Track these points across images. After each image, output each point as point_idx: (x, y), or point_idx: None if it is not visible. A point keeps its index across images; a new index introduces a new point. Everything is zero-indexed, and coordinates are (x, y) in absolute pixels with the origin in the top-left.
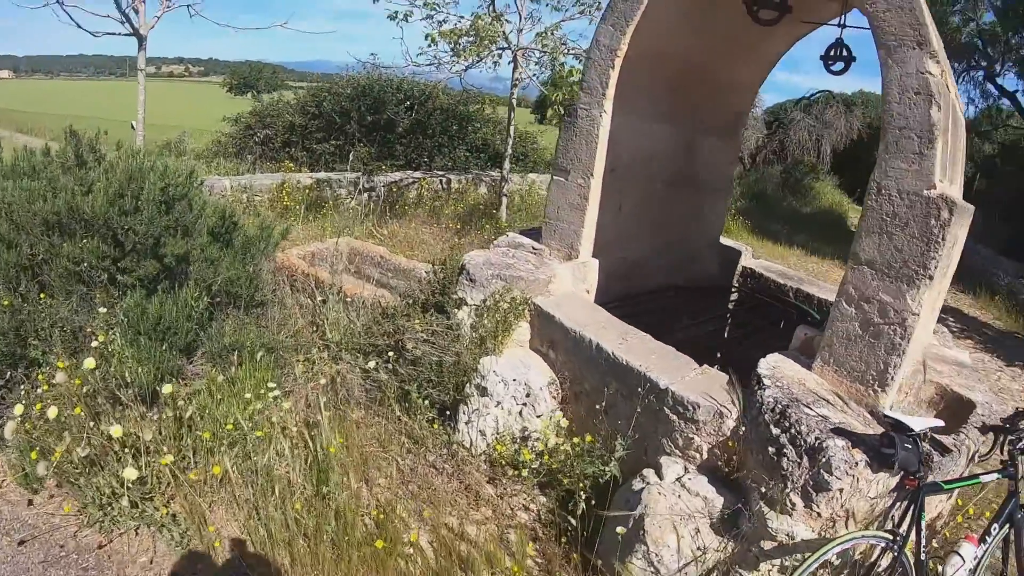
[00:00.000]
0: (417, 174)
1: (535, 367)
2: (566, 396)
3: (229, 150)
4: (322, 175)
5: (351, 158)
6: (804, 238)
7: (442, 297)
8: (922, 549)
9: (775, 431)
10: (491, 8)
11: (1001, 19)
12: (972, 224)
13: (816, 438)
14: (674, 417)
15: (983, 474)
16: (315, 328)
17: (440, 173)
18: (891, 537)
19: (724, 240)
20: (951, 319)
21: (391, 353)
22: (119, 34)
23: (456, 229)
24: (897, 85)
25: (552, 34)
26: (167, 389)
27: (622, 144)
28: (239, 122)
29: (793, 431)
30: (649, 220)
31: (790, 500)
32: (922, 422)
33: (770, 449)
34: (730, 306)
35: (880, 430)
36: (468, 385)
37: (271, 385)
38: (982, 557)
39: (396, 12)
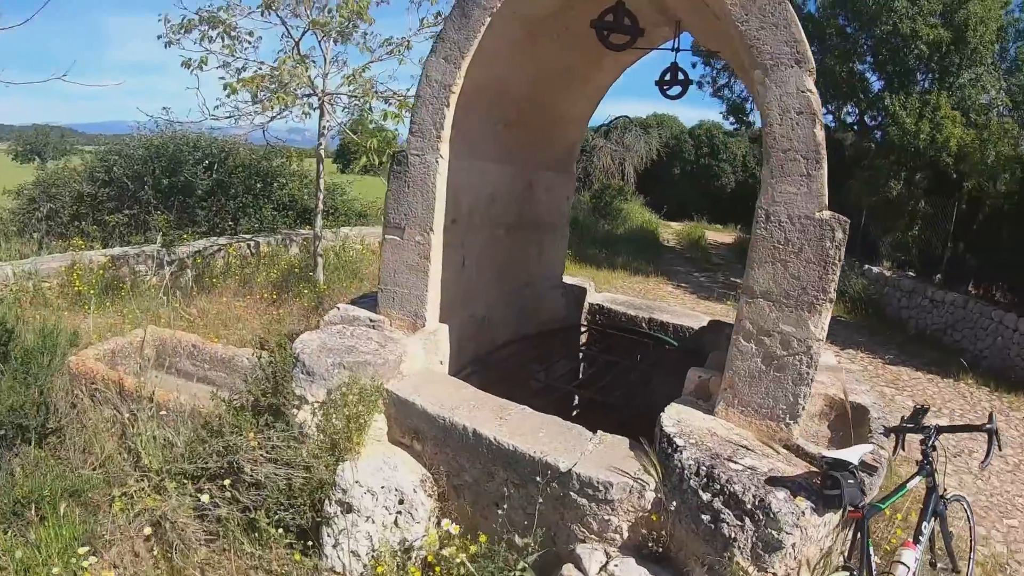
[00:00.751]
0: (222, 240)
1: (402, 465)
2: (444, 492)
3: (11, 228)
4: (117, 251)
5: (148, 229)
6: (624, 259)
7: (276, 398)
8: (874, 571)
9: (706, 496)
10: (296, 51)
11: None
12: None
13: (754, 495)
14: (583, 501)
15: (908, 480)
16: (128, 452)
17: (247, 237)
18: (849, 573)
19: (566, 278)
20: None
21: (228, 480)
22: None
23: (272, 299)
24: (778, 106)
25: (360, 76)
26: None
27: (462, 191)
28: (21, 195)
29: (726, 492)
30: (494, 270)
31: (740, 567)
32: (855, 452)
33: (704, 517)
34: (582, 346)
35: (803, 464)
36: (328, 503)
37: (81, 551)
38: (919, 557)
39: (190, 59)
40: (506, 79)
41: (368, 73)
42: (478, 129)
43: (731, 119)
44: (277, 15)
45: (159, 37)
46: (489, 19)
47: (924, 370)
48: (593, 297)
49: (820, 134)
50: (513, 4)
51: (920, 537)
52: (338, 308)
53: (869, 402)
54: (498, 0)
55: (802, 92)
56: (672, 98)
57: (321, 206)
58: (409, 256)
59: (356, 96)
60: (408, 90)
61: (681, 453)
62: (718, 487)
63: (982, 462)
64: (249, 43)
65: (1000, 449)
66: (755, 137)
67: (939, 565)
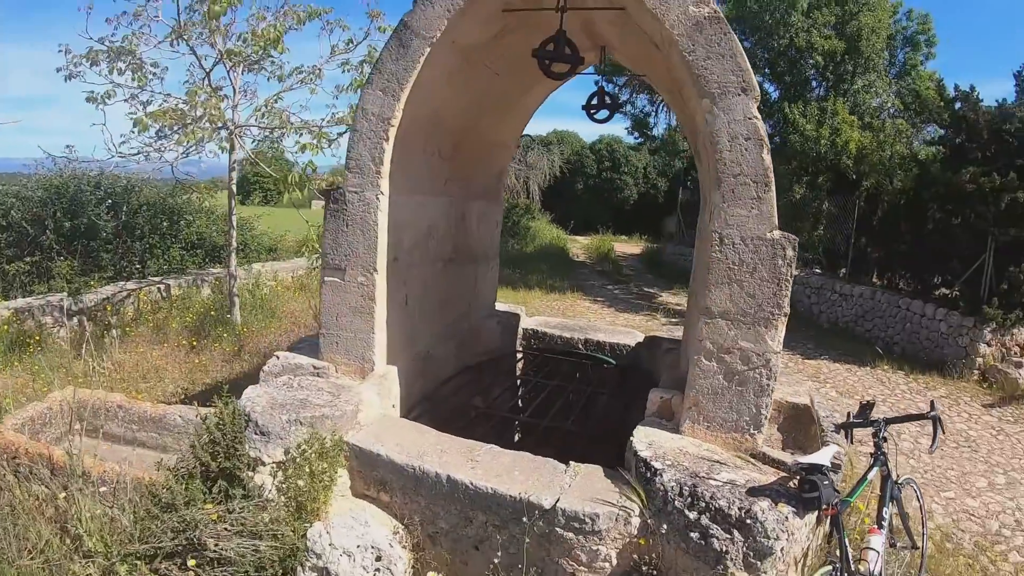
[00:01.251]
0: (131, 285)
1: (372, 519)
2: (419, 542)
3: None
4: (20, 303)
5: (52, 276)
6: (538, 278)
7: (229, 461)
8: (850, 561)
9: (692, 515)
10: (207, 82)
11: None
12: (673, 230)
13: (740, 508)
14: (570, 535)
15: (867, 472)
16: (66, 534)
17: (156, 280)
18: (832, 566)
19: (498, 305)
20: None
21: (190, 558)
22: None
23: (190, 345)
24: (727, 133)
25: (272, 107)
26: None
27: (403, 227)
28: None
29: (712, 508)
30: (435, 306)
31: None
32: (826, 454)
33: (693, 535)
34: (520, 374)
35: (773, 470)
36: (302, 570)
37: None
38: (885, 540)
39: (93, 92)
40: (443, 109)
41: (281, 104)
42: (417, 162)
43: (635, 134)
44: (187, 44)
45: (59, 70)
46: (428, 49)
47: (841, 361)
48: (526, 322)
49: (767, 158)
50: (452, 32)
51: (883, 522)
52: (277, 357)
53: (814, 401)
54: (437, 29)
55: (749, 119)
56: (600, 121)
57: (235, 243)
58: (352, 298)
59: (270, 128)
60: (323, 119)
61: (661, 476)
62: (703, 504)
63: (930, 447)
64: (155, 74)
65: (944, 433)
66: (655, 150)
67: (899, 544)
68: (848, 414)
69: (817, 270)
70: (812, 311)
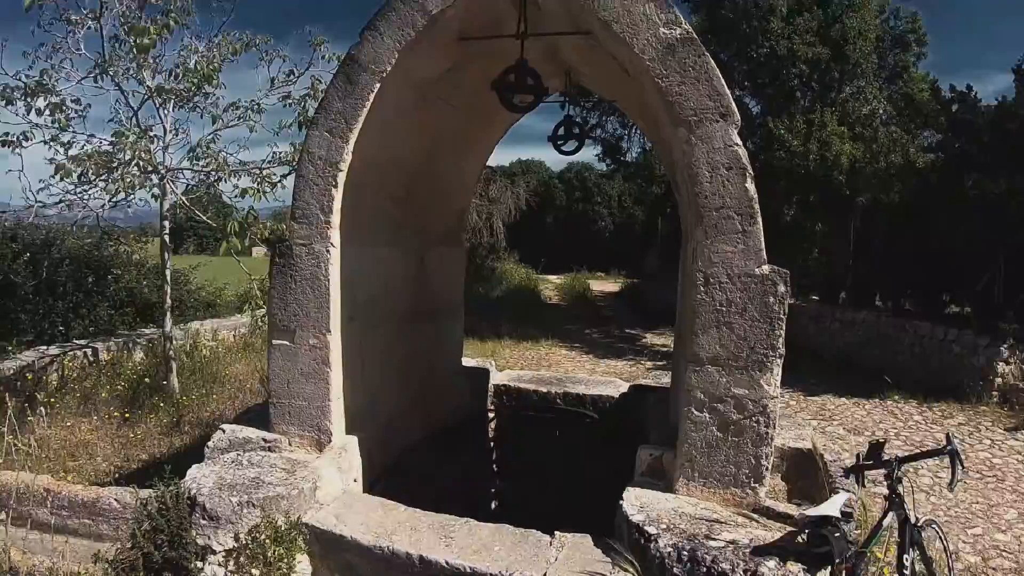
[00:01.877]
0: (54, 350)
1: None
2: None
3: None
4: None
5: None
6: (508, 326)
7: (174, 550)
8: None
9: None
10: (135, 121)
11: None
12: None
13: (744, 570)
14: None
15: (883, 518)
16: None
17: (82, 343)
18: None
19: (465, 360)
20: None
21: None
22: None
23: (123, 417)
24: (706, 163)
25: (208, 148)
26: None
27: (357, 282)
28: None
29: (714, 573)
30: (395, 367)
31: None
32: (835, 503)
33: None
34: (492, 435)
35: (778, 525)
36: None
37: None
38: None
39: (8, 134)
40: (397, 150)
41: (217, 144)
42: (370, 209)
43: (607, 160)
44: (112, 80)
45: None
46: (379, 85)
47: (847, 395)
48: (497, 378)
49: (751, 188)
50: (404, 66)
51: (904, 570)
52: (223, 430)
53: (819, 445)
54: (388, 63)
55: (729, 147)
56: (568, 153)
57: (169, 301)
58: (304, 363)
59: (205, 172)
60: (265, 161)
61: (656, 542)
62: (704, 569)
63: (950, 484)
64: (77, 112)
65: (964, 468)
66: (630, 176)
67: None
68: (858, 455)
69: (814, 297)
70: (812, 343)
